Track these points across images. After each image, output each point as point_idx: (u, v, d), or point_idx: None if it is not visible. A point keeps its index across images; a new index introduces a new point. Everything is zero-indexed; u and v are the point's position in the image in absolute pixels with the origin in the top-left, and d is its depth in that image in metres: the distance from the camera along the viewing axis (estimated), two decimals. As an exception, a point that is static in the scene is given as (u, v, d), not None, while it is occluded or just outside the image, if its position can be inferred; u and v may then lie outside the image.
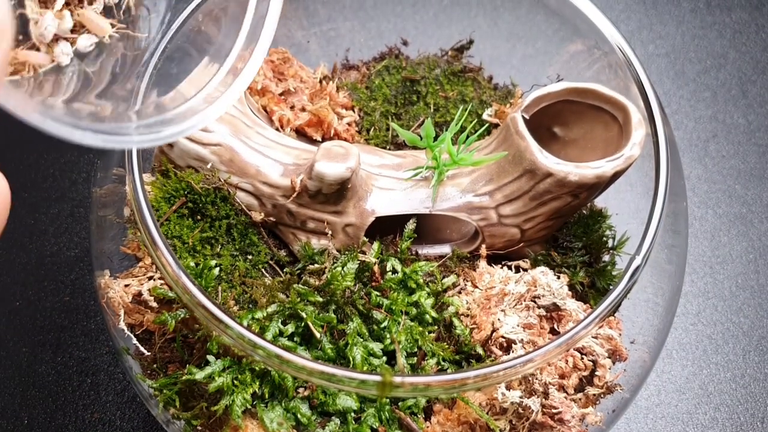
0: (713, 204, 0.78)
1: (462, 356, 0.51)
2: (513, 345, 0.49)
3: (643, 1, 0.92)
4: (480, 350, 0.51)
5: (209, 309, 0.42)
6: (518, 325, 0.50)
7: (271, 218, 0.56)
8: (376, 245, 0.54)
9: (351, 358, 0.49)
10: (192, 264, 0.52)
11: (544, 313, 0.51)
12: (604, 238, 0.59)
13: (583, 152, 0.56)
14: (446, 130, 0.56)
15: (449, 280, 0.54)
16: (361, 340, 0.50)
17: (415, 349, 0.51)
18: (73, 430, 0.64)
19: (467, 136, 0.55)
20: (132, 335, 0.51)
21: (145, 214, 0.45)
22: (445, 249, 0.57)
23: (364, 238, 0.55)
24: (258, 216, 0.55)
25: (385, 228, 0.55)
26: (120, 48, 0.46)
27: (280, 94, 0.62)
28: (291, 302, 0.51)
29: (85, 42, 0.44)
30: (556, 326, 0.51)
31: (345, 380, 0.40)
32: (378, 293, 0.52)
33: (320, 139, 0.61)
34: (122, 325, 0.50)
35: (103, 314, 0.53)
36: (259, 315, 0.50)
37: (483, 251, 0.55)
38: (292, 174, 0.53)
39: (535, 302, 0.51)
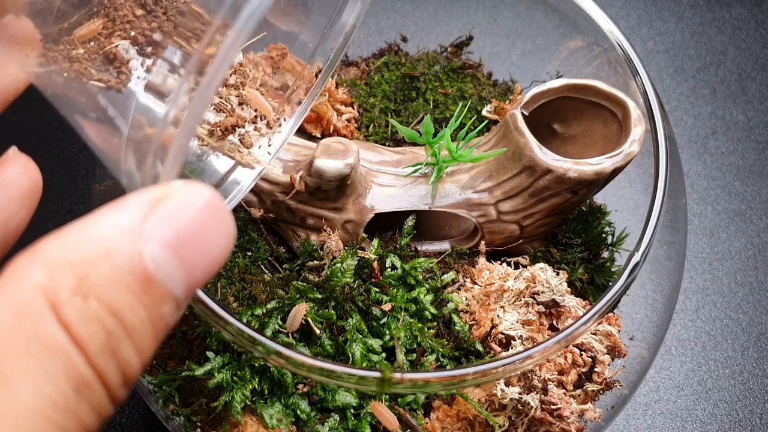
0: (712, 200, 0.78)
1: (461, 353, 0.51)
2: (512, 341, 0.49)
3: (643, -3, 0.92)
4: (479, 346, 0.51)
5: (208, 305, 0.42)
6: (517, 322, 0.50)
7: (271, 215, 0.56)
8: (375, 242, 0.54)
9: (350, 355, 0.49)
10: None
11: (543, 310, 0.51)
12: (603, 235, 0.59)
13: (583, 149, 0.56)
14: (445, 126, 0.55)
15: (448, 276, 0.54)
16: (361, 336, 0.50)
17: (415, 346, 0.51)
18: (72, 427, 0.64)
19: (466, 133, 0.55)
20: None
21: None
22: (444, 245, 0.57)
23: (364, 235, 0.55)
24: (257, 212, 0.55)
25: (385, 224, 0.55)
26: None
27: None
28: (290, 298, 0.51)
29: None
30: (555, 323, 0.51)
31: (344, 376, 0.40)
32: (377, 289, 0.52)
33: (319, 136, 0.61)
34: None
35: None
36: (258, 311, 0.50)
37: (482, 248, 0.55)
38: (292, 170, 0.53)
39: (534, 299, 0.51)
